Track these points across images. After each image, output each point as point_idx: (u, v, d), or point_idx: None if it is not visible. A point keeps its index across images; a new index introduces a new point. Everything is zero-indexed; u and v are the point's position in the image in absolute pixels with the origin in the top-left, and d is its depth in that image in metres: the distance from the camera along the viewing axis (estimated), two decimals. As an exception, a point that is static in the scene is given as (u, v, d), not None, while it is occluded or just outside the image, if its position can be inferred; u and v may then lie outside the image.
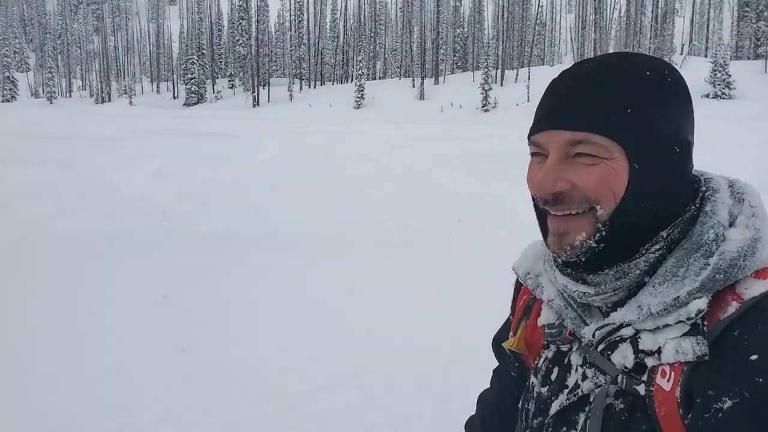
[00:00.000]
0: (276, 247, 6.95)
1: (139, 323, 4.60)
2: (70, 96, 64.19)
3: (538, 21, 47.52)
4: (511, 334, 0.96)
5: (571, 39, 42.10)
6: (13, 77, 61.44)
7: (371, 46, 53.61)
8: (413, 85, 41.06)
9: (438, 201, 9.81)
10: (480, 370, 1.05)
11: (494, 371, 1.16)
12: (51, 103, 54.71)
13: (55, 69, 63.71)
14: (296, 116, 33.54)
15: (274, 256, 6.52)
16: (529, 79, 34.64)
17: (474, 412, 1.18)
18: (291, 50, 52.05)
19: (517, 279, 0.96)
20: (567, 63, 40.19)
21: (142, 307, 4.91)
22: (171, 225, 8.25)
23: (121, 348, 4.22)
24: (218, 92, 48.97)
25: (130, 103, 49.80)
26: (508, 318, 1.04)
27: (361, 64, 41.19)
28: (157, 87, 60.78)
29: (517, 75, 38.64)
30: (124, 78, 64.82)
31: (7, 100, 58.68)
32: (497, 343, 1.05)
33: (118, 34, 73.20)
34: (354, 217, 8.51)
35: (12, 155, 14.82)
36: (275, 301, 5.13)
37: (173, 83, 55.92)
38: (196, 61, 48.55)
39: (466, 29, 51.78)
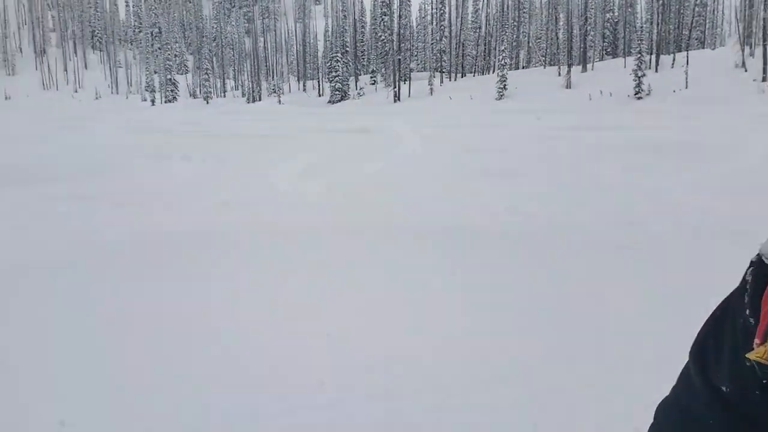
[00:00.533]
0: (434, 240, 6.73)
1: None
2: (224, 96, 68.09)
3: (698, 1, 44.07)
4: (757, 341, 0.66)
5: (736, 19, 38.51)
6: (174, 79, 66.12)
7: (514, 35, 52.26)
8: (559, 74, 39.57)
9: (597, 197, 9.16)
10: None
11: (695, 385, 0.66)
12: (207, 102, 58.27)
13: (211, 70, 67.91)
14: (436, 109, 33.35)
15: (435, 250, 6.30)
16: (687, 64, 32.21)
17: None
18: (432, 44, 51.99)
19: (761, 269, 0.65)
20: (730, 46, 36.92)
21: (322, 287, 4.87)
22: (323, 217, 8.27)
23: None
24: (361, 89, 49.86)
25: (279, 101, 51.92)
26: (720, 317, 0.64)
27: (503, 54, 40.24)
28: (304, 85, 63.02)
29: (673, 60, 36.09)
30: (273, 77, 67.80)
31: (169, 101, 63.25)
32: (704, 351, 0.64)
33: (267, 35, 76.64)
34: (502, 214, 8.10)
35: (176, 152, 15.77)
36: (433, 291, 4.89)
37: (318, 81, 57.69)
38: (340, 59, 49.72)
39: (616, 13, 49.15)
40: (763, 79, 29.87)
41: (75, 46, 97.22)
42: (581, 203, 8.68)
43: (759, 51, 32.10)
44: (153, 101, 63.88)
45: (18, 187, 10.74)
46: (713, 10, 54.18)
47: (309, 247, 6.47)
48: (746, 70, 31.66)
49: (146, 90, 68.03)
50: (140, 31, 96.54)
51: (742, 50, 32.71)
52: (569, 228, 7.14)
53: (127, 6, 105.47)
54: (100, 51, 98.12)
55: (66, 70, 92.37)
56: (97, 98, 76.37)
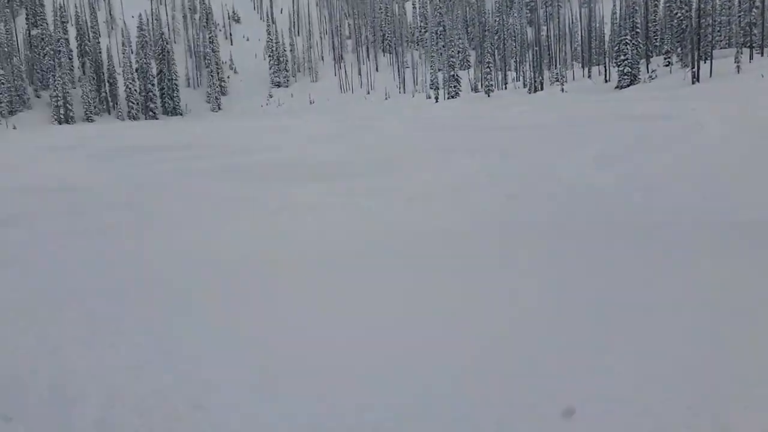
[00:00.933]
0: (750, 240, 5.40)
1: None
2: (506, 88, 67.96)
3: None
4: None
5: None
6: (457, 75, 67.85)
7: None
8: None
9: None
10: None
11: None
12: (488, 96, 58.70)
13: (492, 63, 68.22)
14: (745, 89, 29.18)
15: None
16: None
17: None
18: (739, 16, 45.84)
19: None
20: None
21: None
22: (613, 213, 7.28)
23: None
24: (653, 71, 45.86)
25: (562, 89, 50.20)
26: None
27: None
28: (589, 72, 60.23)
29: None
30: (555, 66, 65.96)
31: (452, 96, 65.05)
32: None
33: (550, 23, 74.82)
34: None
35: (460, 146, 15.70)
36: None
37: (605, 66, 54.62)
38: (629, 41, 46.38)
39: None
40: None
41: (368, 51, 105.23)
42: None
43: None
44: (436, 98, 66.24)
45: (322, 182, 11.43)
46: None
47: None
48: None
49: (430, 87, 70.78)
50: (426, 31, 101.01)
51: None
52: None
53: (414, 8, 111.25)
54: (389, 53, 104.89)
55: (360, 73, 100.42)
56: (386, 98, 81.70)
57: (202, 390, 2.99)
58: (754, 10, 43.37)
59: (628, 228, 6.41)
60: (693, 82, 38.48)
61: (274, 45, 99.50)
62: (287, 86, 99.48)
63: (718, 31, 51.23)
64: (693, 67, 39.12)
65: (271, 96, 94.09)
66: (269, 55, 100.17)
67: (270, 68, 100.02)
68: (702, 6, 42.30)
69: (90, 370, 3.23)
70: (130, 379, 3.11)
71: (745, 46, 42.76)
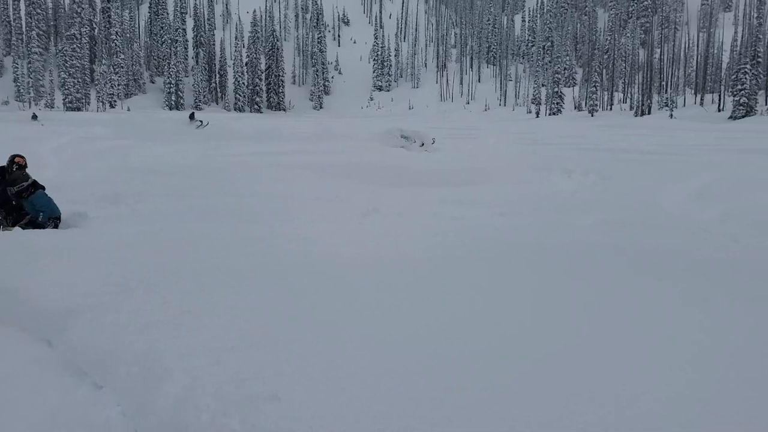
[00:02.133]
0: None
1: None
2: (611, 109, 66.02)
3: None
4: None
5: None
6: (560, 92, 66.51)
7: None
8: None
9: None
10: None
11: None
12: (592, 115, 57.16)
13: (599, 83, 66.42)
14: None
15: None
16: None
17: None
18: None
19: None
20: None
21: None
22: (713, 248, 6.88)
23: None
24: (772, 103, 43.42)
25: (671, 116, 48.25)
26: None
27: None
28: (701, 99, 57.63)
29: None
30: (666, 90, 63.46)
31: (553, 113, 63.77)
32: None
33: (665, 45, 72.09)
34: None
35: (556, 165, 15.36)
36: None
37: (719, 94, 52.11)
38: (748, 71, 44.10)
39: None
40: None
41: (471, 61, 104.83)
42: None
43: None
44: (537, 113, 65.14)
45: (419, 186, 11.56)
46: None
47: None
48: None
49: (532, 102, 69.74)
50: (533, 45, 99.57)
51: None
52: None
53: (523, 21, 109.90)
54: (493, 65, 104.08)
55: (461, 83, 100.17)
56: (486, 110, 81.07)
57: (279, 382, 3.04)
58: None
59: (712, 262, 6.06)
60: (817, 118, 36.12)
61: (380, 49, 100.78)
62: (389, 90, 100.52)
63: None
64: (818, 103, 36.69)
65: (371, 99, 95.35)
66: (374, 59, 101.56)
67: (373, 71, 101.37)
68: (835, 38, 39.64)
69: (178, 350, 3.37)
70: (213, 363, 3.21)
71: None
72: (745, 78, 44.11)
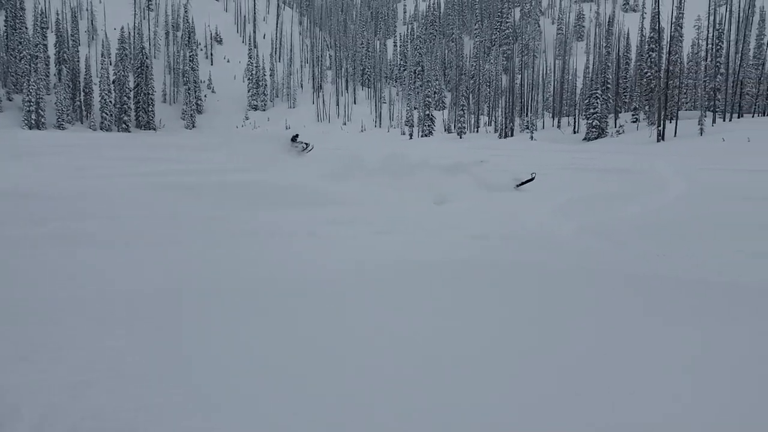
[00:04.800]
0: (695, 298, 5.61)
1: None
2: (477, 131, 69.11)
3: None
4: None
5: None
6: (432, 115, 68.87)
7: (809, 72, 45.90)
8: None
9: None
10: None
11: None
12: (461, 137, 59.52)
13: (467, 106, 69.44)
14: (707, 152, 30.15)
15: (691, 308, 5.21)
16: None
17: None
18: (705, 81, 47.53)
19: None
20: None
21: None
22: (580, 260, 7.48)
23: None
24: (620, 126, 47.19)
25: (531, 137, 51.17)
26: None
27: (794, 93, 35.32)
28: (558, 122, 61.62)
29: None
30: (527, 114, 67.32)
31: (425, 135, 65.86)
32: None
33: (525, 71, 76.60)
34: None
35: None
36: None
37: (574, 118, 55.99)
38: (599, 96, 47.71)
39: None
40: None
41: (347, 83, 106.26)
42: None
43: None
44: (411, 135, 67.01)
45: (304, 208, 11.48)
46: None
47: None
48: None
49: (406, 124, 71.68)
50: (405, 70, 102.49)
51: None
52: None
53: (395, 46, 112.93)
54: (368, 87, 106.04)
55: (338, 104, 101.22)
56: (362, 131, 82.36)
57: (142, 417, 3.00)
58: (718, 76, 45.05)
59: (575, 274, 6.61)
60: (658, 140, 39.67)
61: (255, 68, 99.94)
62: (264, 110, 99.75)
63: (685, 93, 53.05)
64: (659, 126, 40.38)
65: (247, 118, 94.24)
66: (248, 78, 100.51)
67: (248, 91, 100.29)
68: (670, 68, 43.82)
69: (29, 386, 3.25)
70: (69, 398, 3.13)
71: (709, 110, 44.27)
72: (597, 102, 47.74)
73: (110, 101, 77.34)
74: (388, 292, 5.61)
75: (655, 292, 5.94)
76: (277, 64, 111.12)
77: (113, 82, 78.94)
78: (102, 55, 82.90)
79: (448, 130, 70.66)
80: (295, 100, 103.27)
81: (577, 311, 5.21)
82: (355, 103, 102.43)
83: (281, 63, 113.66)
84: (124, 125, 78.22)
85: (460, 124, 63.29)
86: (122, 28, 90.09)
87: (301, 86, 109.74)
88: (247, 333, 4.28)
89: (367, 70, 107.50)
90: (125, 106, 79.23)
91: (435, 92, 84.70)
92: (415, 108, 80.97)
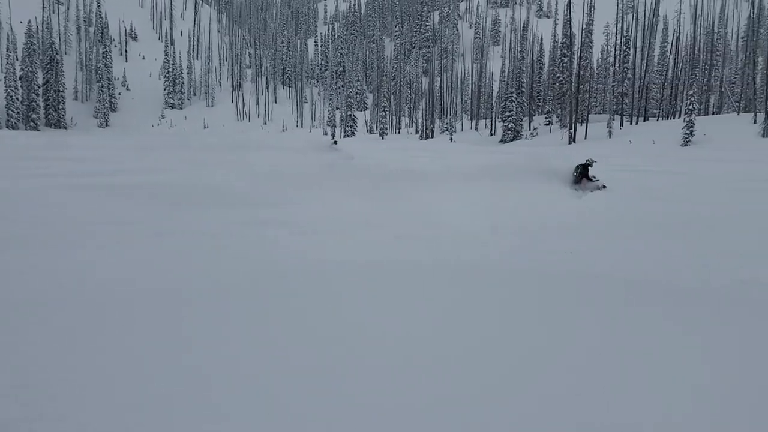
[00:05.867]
0: (609, 292, 6.27)
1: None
2: (399, 132, 70.08)
3: None
4: None
5: None
6: (354, 115, 69.38)
7: (705, 79, 49.05)
8: (754, 121, 36.36)
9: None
10: None
11: None
12: (382, 138, 60.27)
13: (388, 108, 70.32)
14: (615, 153, 31.86)
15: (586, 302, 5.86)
16: None
17: None
18: (613, 85, 50.05)
19: None
20: None
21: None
22: (500, 258, 8.03)
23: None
24: (534, 129, 49.07)
25: (451, 139, 52.42)
26: None
27: (691, 99, 37.78)
28: (476, 124, 63.32)
29: None
30: (446, 116, 68.84)
31: (348, 135, 66.29)
32: None
33: (444, 74, 78.21)
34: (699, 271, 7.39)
35: (347, 185, 16.24)
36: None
37: (491, 120, 57.71)
38: (514, 99, 49.40)
39: (827, 57, 44.49)
40: None
41: (267, 82, 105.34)
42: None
43: None
44: (333, 135, 67.27)
45: (222, 208, 11.59)
46: None
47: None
48: None
49: (328, 124, 71.88)
50: (326, 70, 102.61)
51: None
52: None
53: (316, 46, 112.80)
54: (289, 87, 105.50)
55: (258, 103, 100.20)
56: (283, 130, 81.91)
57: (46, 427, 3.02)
58: (626, 81, 47.54)
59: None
60: (570, 142, 41.52)
61: (171, 66, 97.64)
62: (182, 108, 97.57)
63: (595, 98, 55.64)
64: (570, 129, 42.29)
65: (163, 117, 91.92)
66: (165, 76, 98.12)
67: (165, 89, 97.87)
68: (581, 73, 45.94)
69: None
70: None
71: (617, 114, 46.64)
72: (512, 105, 49.43)
73: (17, 98, 73.85)
74: (286, 296, 5.78)
75: (560, 286, 6.57)
76: (195, 62, 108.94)
77: (20, 78, 75.40)
78: (7, 49, 79.15)
79: (370, 130, 71.36)
80: (214, 98, 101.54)
81: (489, 306, 5.74)
82: (275, 102, 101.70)
83: (199, 61, 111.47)
84: (32, 123, 74.86)
85: (382, 125, 64.08)
86: (29, 21, 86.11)
87: (220, 85, 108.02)
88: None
89: (288, 69, 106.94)
90: (33, 103, 75.81)
91: (357, 93, 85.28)
92: (337, 108, 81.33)
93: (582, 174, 16.13)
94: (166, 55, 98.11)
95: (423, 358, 4.17)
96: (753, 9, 49.32)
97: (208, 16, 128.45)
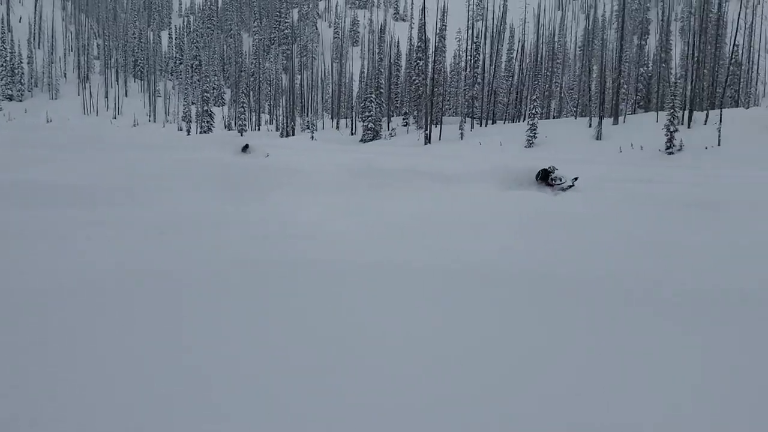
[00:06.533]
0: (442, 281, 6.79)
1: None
2: (258, 129, 69.28)
3: (734, 60, 44.09)
4: None
5: (771, 79, 38.66)
6: (210, 111, 67.59)
7: (547, 85, 52.77)
8: (590, 125, 39.69)
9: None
10: None
11: None
12: (241, 135, 59.33)
13: (247, 104, 69.28)
14: (466, 154, 33.57)
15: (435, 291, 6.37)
16: (720, 121, 32.14)
17: None
18: (465, 89, 52.57)
19: None
20: (765, 106, 36.77)
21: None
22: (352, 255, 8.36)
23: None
24: (393, 129, 50.47)
25: (312, 137, 52.66)
26: None
27: (534, 103, 40.60)
28: (337, 123, 63.99)
29: (706, 117, 35.98)
30: (307, 114, 68.98)
31: (204, 131, 64.54)
32: None
33: (304, 72, 78.25)
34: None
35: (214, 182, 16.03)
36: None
37: (352, 120, 58.58)
38: (373, 100, 50.50)
39: (650, 68, 49.34)
40: (797, 141, 29.74)
41: (117, 74, 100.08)
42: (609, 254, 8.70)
43: (794, 112, 32.01)
44: (188, 131, 65.21)
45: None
46: (748, 70, 54.05)
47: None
48: (780, 132, 31.56)
49: (183, 120, 69.54)
50: (181, 63, 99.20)
51: (777, 111, 32.63)
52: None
53: (170, 38, 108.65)
54: (141, 80, 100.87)
55: (107, 96, 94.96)
56: (135, 125, 78.21)
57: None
58: (476, 85, 50.10)
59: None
60: (425, 143, 43.16)
61: (9, 55, 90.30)
62: (21, 100, 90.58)
63: (448, 100, 58.09)
64: (426, 130, 43.96)
65: (0, 109, 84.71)
66: (2, 65, 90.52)
67: (2, 79, 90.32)
68: (435, 76, 47.86)
69: None
70: None
71: (469, 116, 49.03)
72: (371, 106, 50.51)
73: None
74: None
75: (401, 279, 7.03)
76: (36, 51, 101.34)
77: None
78: None
79: (228, 127, 69.96)
80: (58, 90, 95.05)
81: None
82: (126, 95, 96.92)
83: (41, 50, 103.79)
84: None
85: (241, 122, 63.03)
86: None
87: (65, 76, 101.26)
88: None
89: (140, 61, 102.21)
90: None
91: (214, 88, 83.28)
92: (193, 103, 78.91)
93: (543, 178, 16.79)
94: (3, 42, 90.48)
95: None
96: (589, 21, 53.69)
97: (51, 2, 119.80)
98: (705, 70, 40.24)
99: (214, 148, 24.75)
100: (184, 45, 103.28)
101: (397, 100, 61.23)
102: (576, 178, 16.44)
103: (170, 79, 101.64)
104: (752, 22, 49.09)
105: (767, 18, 68.04)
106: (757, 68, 58.87)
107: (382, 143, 46.25)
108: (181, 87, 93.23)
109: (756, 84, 59.83)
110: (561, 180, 16.47)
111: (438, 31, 49.78)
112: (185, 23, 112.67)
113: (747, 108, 42.31)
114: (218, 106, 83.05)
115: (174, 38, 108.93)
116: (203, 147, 29.48)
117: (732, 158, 27.54)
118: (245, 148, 30.30)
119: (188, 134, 62.85)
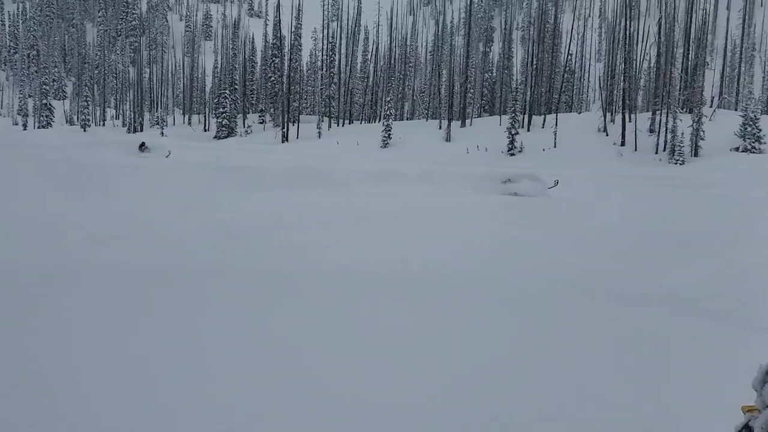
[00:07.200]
0: (318, 285, 7.03)
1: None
2: (104, 124, 65.63)
3: (567, 68, 47.80)
4: None
5: (600, 87, 42.45)
6: (50, 104, 63.02)
7: (400, 88, 54.34)
8: (440, 127, 41.39)
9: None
10: None
11: None
12: (84, 130, 55.92)
13: (91, 98, 65.33)
14: (324, 153, 33.94)
15: (317, 296, 6.59)
16: (556, 125, 34.72)
17: None
18: (321, 89, 52.88)
19: None
20: (594, 111, 40.21)
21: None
22: (197, 258, 8.37)
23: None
24: (249, 127, 49.72)
25: (162, 134, 50.66)
26: None
27: (389, 105, 41.72)
28: (189, 119, 61.92)
29: (544, 121, 38.79)
30: (157, 109, 66.20)
31: (43, 126, 60.10)
32: None
33: (154, 66, 75.01)
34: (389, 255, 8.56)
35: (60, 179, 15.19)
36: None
37: (205, 116, 56.99)
38: (228, 96, 49.45)
39: (494, 74, 52.25)
40: (622, 144, 32.90)
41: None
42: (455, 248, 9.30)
43: (619, 118, 35.33)
44: (25, 126, 60.48)
45: None
46: (580, 77, 58.80)
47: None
48: (607, 134, 34.73)
49: (18, 114, 64.37)
50: (16, 53, 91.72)
51: (604, 116, 35.87)
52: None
53: (2, 25, 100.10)
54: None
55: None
56: (-41, 119, 71.28)
57: None
58: (333, 85, 50.58)
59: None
60: (283, 141, 42.99)
61: None
62: None
63: (305, 99, 58.17)
64: (283, 128, 43.76)
65: None
66: None
67: None
68: (292, 75, 47.78)
69: None
70: None
71: (326, 115, 49.39)
72: (226, 102, 49.36)
73: None
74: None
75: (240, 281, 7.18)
76: None
77: None
78: None
79: (70, 121, 65.64)
80: None
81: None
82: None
83: None
84: None
85: (84, 116, 59.30)
86: None
87: None
88: None
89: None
90: None
91: (54, 80, 77.77)
92: (29, 96, 73.18)
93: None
94: None
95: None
96: (438, 27, 55.89)
97: None
98: (543, 77, 43.32)
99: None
100: (20, 33, 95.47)
101: (252, 97, 60.36)
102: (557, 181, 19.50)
103: (4, 70, 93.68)
104: (584, 33, 53.32)
105: (597, 30, 74.43)
106: (589, 76, 64.16)
107: (237, 140, 45.43)
108: (16, 78, 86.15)
109: (587, 90, 65.19)
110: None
111: (293, 29, 49.72)
112: (20, 10, 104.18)
113: (579, 113, 46.07)
114: (59, 100, 77.66)
115: (7, 25, 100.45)
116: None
117: (566, 158, 29.94)
118: (142, 146, 28.98)
119: (24, 129, 58.35)
